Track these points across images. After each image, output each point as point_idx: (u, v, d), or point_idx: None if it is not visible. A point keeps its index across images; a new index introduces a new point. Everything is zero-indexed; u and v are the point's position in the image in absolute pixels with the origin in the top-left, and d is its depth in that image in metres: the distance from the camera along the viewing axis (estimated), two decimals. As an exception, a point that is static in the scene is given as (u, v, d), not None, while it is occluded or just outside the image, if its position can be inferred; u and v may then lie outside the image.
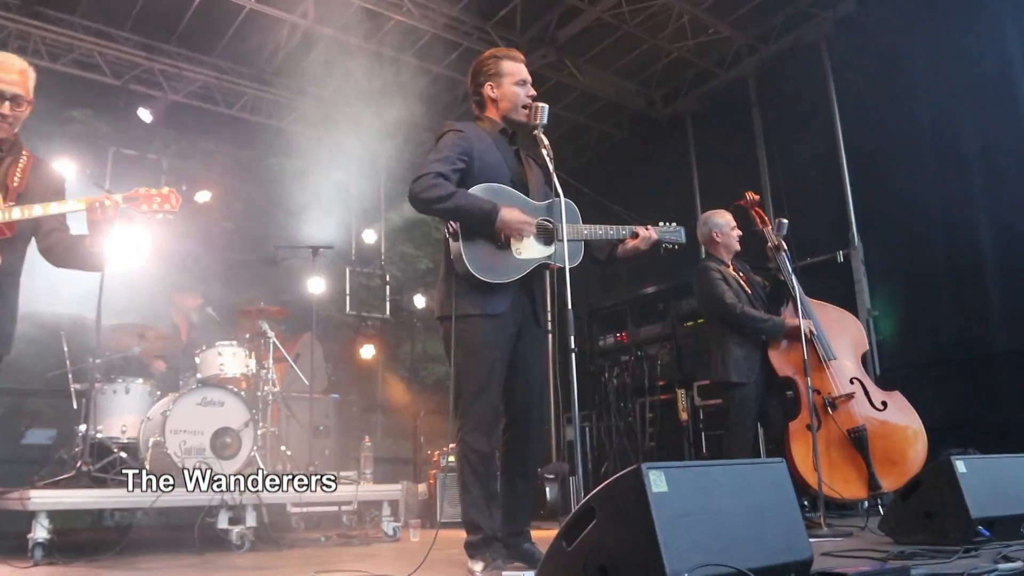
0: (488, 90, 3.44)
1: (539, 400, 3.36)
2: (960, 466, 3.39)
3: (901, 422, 4.60)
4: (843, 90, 7.38)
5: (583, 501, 2.09)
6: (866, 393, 4.70)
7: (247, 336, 5.76)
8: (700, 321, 7.36)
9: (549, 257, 3.27)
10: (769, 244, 4.94)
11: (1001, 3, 6.24)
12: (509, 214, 3.16)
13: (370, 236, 9.06)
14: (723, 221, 5.17)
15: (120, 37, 7.64)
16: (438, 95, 8.51)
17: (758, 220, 5.11)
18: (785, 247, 4.88)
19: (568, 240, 3.14)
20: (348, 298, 8.63)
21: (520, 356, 3.28)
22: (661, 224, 3.49)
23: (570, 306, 3.00)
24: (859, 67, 7.17)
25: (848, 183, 7.21)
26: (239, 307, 6.40)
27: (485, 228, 3.15)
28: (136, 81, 7.93)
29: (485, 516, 3.10)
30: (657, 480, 1.93)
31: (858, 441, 4.54)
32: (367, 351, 8.91)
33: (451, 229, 3.22)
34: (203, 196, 8.03)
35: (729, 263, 5.13)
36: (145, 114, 7.70)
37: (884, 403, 4.66)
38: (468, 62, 7.85)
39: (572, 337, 2.98)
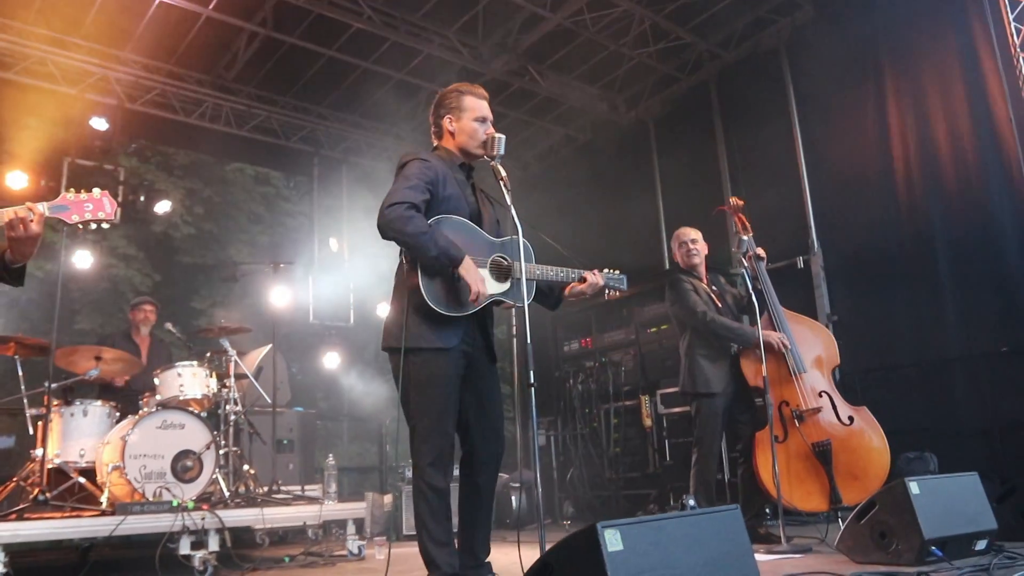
0: (447, 123, 3.40)
1: (494, 436, 3.34)
2: (914, 488, 3.46)
3: (866, 437, 4.67)
4: (802, 95, 7.45)
5: (539, 557, 2.10)
6: (834, 407, 4.77)
7: (208, 355, 5.68)
8: (664, 327, 7.42)
9: (503, 294, 3.27)
10: (749, 252, 5.02)
11: (958, 5, 6.31)
12: (469, 271, 3.09)
13: (333, 244, 9.00)
14: (679, 239, 5.25)
15: (73, 44, 7.46)
16: (399, 102, 8.45)
17: (739, 226, 5.17)
18: (746, 263, 4.94)
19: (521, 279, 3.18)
20: (311, 308, 8.54)
21: (474, 392, 3.27)
22: (607, 271, 3.56)
23: (528, 340, 3.03)
24: (817, 73, 7.24)
25: (807, 188, 7.29)
26: (200, 326, 6.33)
27: (445, 269, 3.13)
28: (91, 90, 7.75)
29: (443, 553, 3.07)
30: (612, 539, 1.94)
31: (822, 455, 4.61)
32: (331, 359, 8.85)
33: (410, 257, 3.20)
34: (163, 207, 7.93)
35: (702, 276, 5.18)
36: (100, 122, 7.56)
37: (851, 418, 4.73)
38: (430, 69, 7.95)
39: (532, 372, 3.01)
